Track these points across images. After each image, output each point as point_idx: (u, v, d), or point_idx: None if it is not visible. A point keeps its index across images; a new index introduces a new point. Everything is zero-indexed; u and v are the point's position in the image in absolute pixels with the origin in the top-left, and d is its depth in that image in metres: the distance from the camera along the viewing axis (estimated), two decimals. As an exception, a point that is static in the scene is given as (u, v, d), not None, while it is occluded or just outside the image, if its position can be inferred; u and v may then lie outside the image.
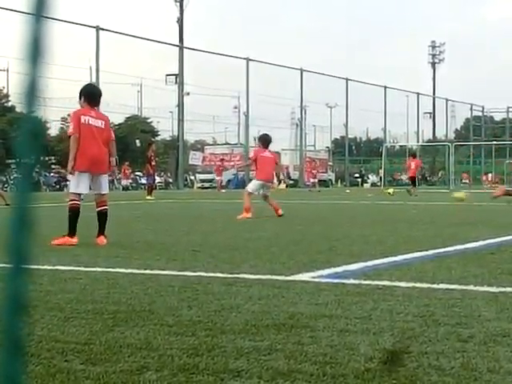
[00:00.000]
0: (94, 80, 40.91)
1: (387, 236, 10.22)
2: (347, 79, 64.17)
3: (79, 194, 9.20)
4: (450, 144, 60.31)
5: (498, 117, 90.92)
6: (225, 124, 71.83)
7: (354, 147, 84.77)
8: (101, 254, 7.87)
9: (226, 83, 69.00)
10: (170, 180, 58.15)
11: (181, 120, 51.63)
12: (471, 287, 5.49)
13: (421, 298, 5.03)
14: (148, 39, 50.06)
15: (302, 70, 58.94)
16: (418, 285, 5.58)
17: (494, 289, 5.40)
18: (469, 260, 7.25)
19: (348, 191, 41.36)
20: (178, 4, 53.99)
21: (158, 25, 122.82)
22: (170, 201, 26.16)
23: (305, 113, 62.58)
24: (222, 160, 51.39)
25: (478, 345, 3.70)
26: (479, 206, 20.67)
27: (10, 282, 1.00)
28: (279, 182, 34.59)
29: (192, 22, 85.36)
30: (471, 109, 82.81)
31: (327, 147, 75.61)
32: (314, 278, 6.01)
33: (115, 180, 43.69)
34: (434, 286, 5.56)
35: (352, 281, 5.80)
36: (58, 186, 45.80)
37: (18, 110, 49.56)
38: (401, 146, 77.41)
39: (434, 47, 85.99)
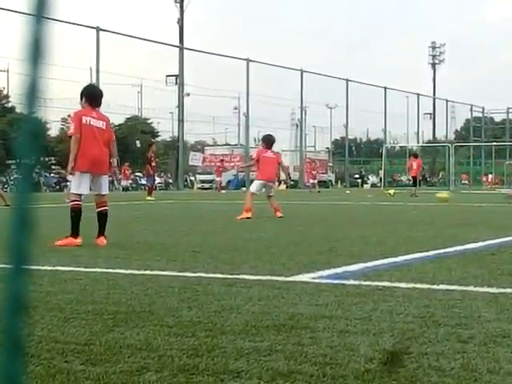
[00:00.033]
0: (94, 81, 40.92)
1: (387, 237, 10.22)
2: (347, 80, 64.15)
3: (80, 195, 9.20)
4: (450, 145, 60.35)
5: (498, 118, 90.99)
6: (225, 125, 71.82)
7: (354, 148, 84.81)
8: (101, 254, 7.87)
9: (226, 84, 69.20)
10: (170, 181, 58.15)
11: (181, 121, 51.64)
12: (471, 288, 5.49)
13: (421, 298, 5.03)
14: (148, 40, 50.11)
15: (302, 71, 58.92)
16: (418, 286, 5.58)
17: (494, 290, 5.40)
18: (469, 261, 7.25)
19: (348, 192, 41.34)
20: (178, 5, 54.04)
21: (158, 26, 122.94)
22: (170, 201, 26.15)
23: (305, 113, 62.58)
24: (221, 161, 51.38)
25: (478, 346, 3.70)
26: (479, 206, 20.68)
27: (11, 283, 1.00)
28: (279, 182, 34.57)
29: (192, 22, 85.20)
30: (471, 110, 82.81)
31: (327, 148, 75.61)
32: (314, 278, 6.01)
33: (115, 181, 43.66)
34: (434, 286, 5.56)
35: (352, 282, 5.80)
36: (58, 187, 45.80)
37: (18, 110, 49.65)
38: (401, 146, 77.46)
39: (434, 48, 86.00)
